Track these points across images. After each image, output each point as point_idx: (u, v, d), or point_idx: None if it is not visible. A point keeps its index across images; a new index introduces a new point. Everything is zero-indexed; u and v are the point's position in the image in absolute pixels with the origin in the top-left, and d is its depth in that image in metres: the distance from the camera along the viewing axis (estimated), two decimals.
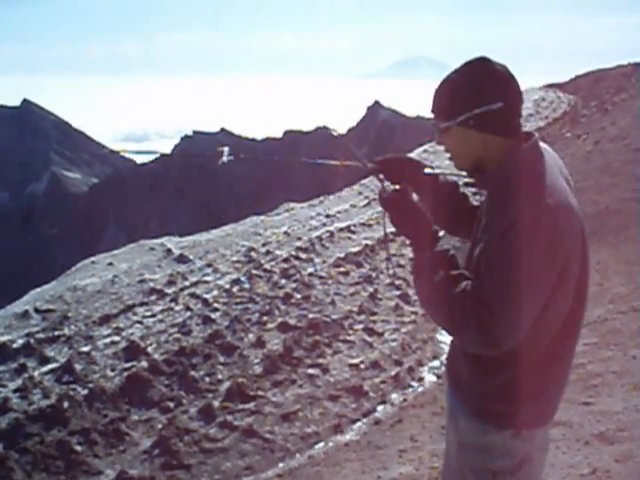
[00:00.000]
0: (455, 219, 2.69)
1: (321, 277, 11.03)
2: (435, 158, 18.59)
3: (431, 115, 2.45)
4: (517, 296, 2.12)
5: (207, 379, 8.06)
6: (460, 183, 2.76)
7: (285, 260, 11.75)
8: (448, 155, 2.48)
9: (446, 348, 8.12)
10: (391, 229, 2.52)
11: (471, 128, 2.31)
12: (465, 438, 2.49)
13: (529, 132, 2.39)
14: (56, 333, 9.42)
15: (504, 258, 2.12)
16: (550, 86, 31.89)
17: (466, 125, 2.31)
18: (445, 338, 8.48)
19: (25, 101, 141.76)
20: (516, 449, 2.39)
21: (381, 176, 2.61)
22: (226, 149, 2.84)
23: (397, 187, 2.47)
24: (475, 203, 2.69)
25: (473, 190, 2.73)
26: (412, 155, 19.71)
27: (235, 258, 12.21)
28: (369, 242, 12.40)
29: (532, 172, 2.26)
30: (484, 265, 2.17)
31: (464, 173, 2.58)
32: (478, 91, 2.29)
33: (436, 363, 8.26)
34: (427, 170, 2.72)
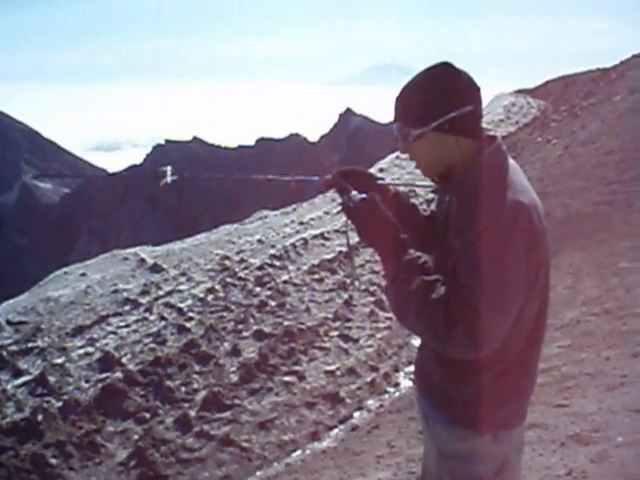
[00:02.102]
0: (407, 230, 2.57)
1: (296, 284, 11.03)
2: (408, 164, 18.67)
3: (397, 123, 2.41)
4: (501, 296, 2.12)
5: (183, 389, 8.02)
6: (409, 194, 2.75)
7: (259, 268, 11.73)
8: (415, 163, 2.46)
9: None
10: (355, 240, 2.48)
11: (446, 133, 2.29)
12: (443, 445, 2.46)
13: (492, 135, 2.39)
14: (29, 345, 9.32)
15: (485, 259, 2.11)
16: (520, 91, 32.13)
17: (441, 130, 2.28)
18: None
19: None
20: (495, 453, 2.39)
21: (348, 186, 2.51)
22: (169, 169, 2.71)
23: (364, 196, 2.39)
24: (425, 213, 2.69)
25: (426, 199, 2.73)
26: (383, 162, 19.79)
27: (209, 267, 12.16)
28: (343, 249, 12.41)
29: (502, 172, 2.27)
30: (465, 267, 2.15)
31: (423, 182, 2.59)
32: (450, 95, 2.27)
33: (412, 368, 8.25)
34: (380, 182, 2.68)
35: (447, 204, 2.45)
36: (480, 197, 2.21)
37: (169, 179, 2.71)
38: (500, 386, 2.33)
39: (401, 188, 2.75)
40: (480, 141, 2.34)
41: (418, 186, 3.01)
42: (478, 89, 2.34)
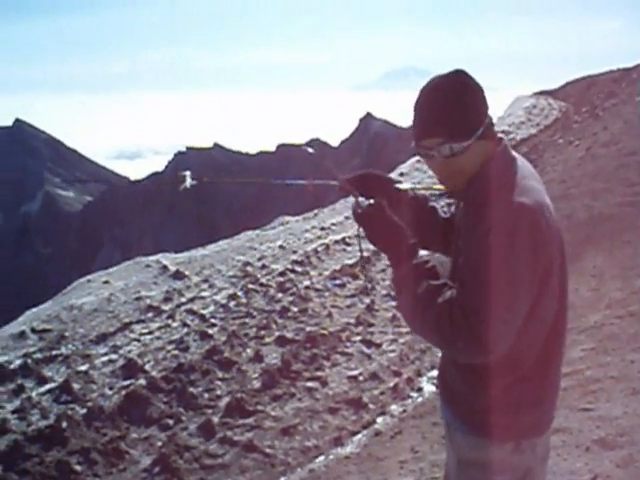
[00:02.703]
0: (426, 233, 2.61)
1: (318, 290, 11.03)
2: (428, 168, 18.62)
3: (431, 140, 2.27)
4: (503, 298, 2.09)
5: (206, 395, 8.04)
6: (429, 197, 2.73)
7: (281, 274, 11.75)
8: (454, 174, 2.33)
9: None
10: (367, 246, 2.49)
11: (484, 138, 2.26)
12: (463, 453, 2.43)
13: (499, 136, 2.36)
14: (53, 353, 9.39)
15: (486, 261, 2.08)
16: (541, 93, 32.00)
17: (480, 137, 2.25)
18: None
19: (17, 120, 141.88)
20: (517, 463, 2.34)
21: (355, 192, 2.52)
22: (188, 173, 2.69)
23: (371, 201, 2.38)
24: (445, 215, 2.66)
25: (446, 202, 2.73)
26: (404, 166, 19.76)
27: (231, 273, 12.20)
28: (365, 253, 12.39)
29: (506, 174, 2.25)
30: (467, 271, 2.15)
31: (437, 187, 2.57)
32: (479, 100, 2.26)
33: (435, 373, 8.23)
34: (397, 185, 2.67)
35: (459, 208, 2.46)
36: (484, 200, 2.19)
37: (188, 184, 2.68)
38: (519, 393, 2.30)
39: (420, 191, 2.73)
40: (495, 142, 2.32)
41: (434, 189, 2.98)
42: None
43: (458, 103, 2.23)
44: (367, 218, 2.36)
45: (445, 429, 2.62)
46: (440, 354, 2.68)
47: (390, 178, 2.70)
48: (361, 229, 2.40)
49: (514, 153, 2.36)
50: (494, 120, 2.37)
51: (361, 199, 2.46)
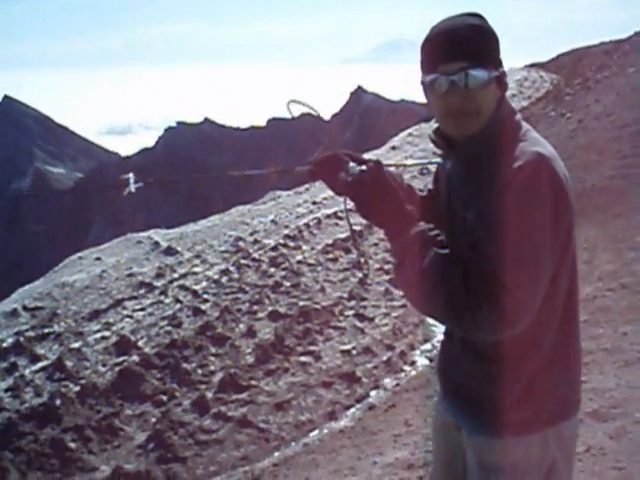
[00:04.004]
0: None
1: (310, 264, 11.02)
2: (421, 141, 18.57)
3: (457, 63, 1.98)
4: (531, 262, 1.84)
5: (199, 371, 8.05)
6: (401, 174, 2.43)
7: (273, 248, 11.73)
8: (470, 113, 2.04)
9: (437, 330, 8.14)
10: (358, 220, 2.18)
11: (497, 85, 2.03)
12: (485, 457, 2.18)
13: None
14: (46, 330, 9.38)
15: (508, 221, 1.83)
16: (532, 66, 31.84)
17: (499, 80, 2.03)
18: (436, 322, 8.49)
19: (6, 97, 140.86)
20: (541, 457, 2.12)
21: (345, 159, 2.17)
22: (131, 176, 2.46)
23: (363, 167, 2.05)
24: (421, 193, 2.42)
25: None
26: (396, 139, 19.68)
27: (223, 248, 12.18)
28: (357, 227, 12.38)
29: (516, 126, 2.06)
30: (485, 235, 1.87)
31: (416, 161, 2.38)
32: (498, 41, 2.06)
33: (428, 346, 8.26)
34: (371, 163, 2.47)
35: (448, 177, 2.21)
36: (493, 154, 1.97)
37: (132, 187, 2.46)
38: (546, 377, 2.07)
39: (392, 169, 2.41)
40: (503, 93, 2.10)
41: (411, 165, 2.78)
42: None
43: (485, 30, 2.01)
44: (361, 185, 2.02)
45: (444, 425, 2.39)
46: (441, 344, 2.41)
47: (359, 156, 2.33)
48: (349, 201, 2.08)
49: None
50: None
51: (352, 164, 2.12)
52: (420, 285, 1.92)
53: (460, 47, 1.98)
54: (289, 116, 2.41)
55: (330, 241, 11.93)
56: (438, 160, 2.37)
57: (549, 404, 2.09)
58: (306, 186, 17.04)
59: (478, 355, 2.10)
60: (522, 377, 2.04)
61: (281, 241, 12.09)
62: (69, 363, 8.31)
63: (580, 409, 2.25)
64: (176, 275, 11.12)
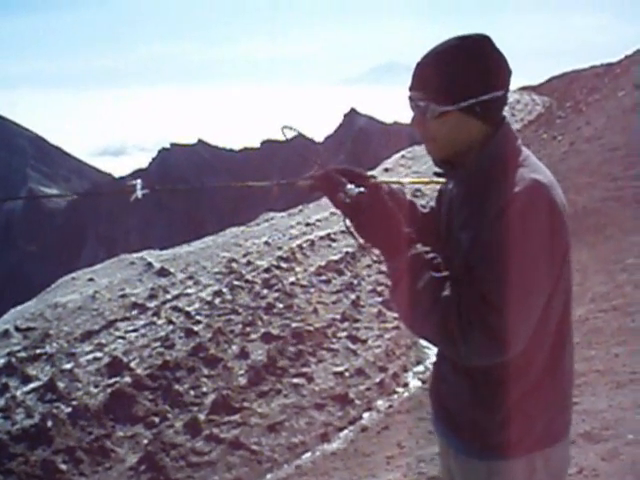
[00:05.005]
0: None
1: (303, 286, 11.02)
2: (414, 163, 18.66)
3: (415, 92, 2.07)
4: (525, 287, 1.83)
5: (192, 392, 8.02)
6: (403, 190, 2.46)
7: (266, 270, 11.73)
8: (425, 142, 2.15)
9: (430, 352, 8.15)
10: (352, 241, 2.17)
11: (473, 116, 2.01)
12: (470, 478, 2.19)
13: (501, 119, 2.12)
14: (38, 351, 9.33)
15: (502, 245, 1.83)
16: (525, 88, 32.08)
17: (469, 112, 2.00)
18: (429, 343, 8.49)
19: (0, 118, 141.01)
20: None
21: (342, 180, 2.16)
22: (139, 182, 2.44)
23: (362, 190, 2.07)
24: (424, 210, 2.44)
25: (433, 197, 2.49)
26: (389, 162, 19.75)
27: (216, 270, 12.17)
28: (349, 249, 12.39)
29: (515, 152, 2.04)
30: (478, 257, 1.88)
31: (418, 179, 2.40)
32: (486, 73, 2.00)
33: (420, 368, 8.27)
34: (373, 180, 2.36)
35: (449, 197, 2.23)
36: (491, 179, 1.98)
37: (139, 193, 2.44)
38: (534, 400, 2.05)
39: (395, 185, 2.47)
40: (500, 127, 2.08)
41: (413, 183, 2.84)
42: (510, 73, 2.05)
43: (449, 65, 2.00)
44: (359, 207, 2.03)
45: (440, 447, 2.39)
46: (433, 365, 2.42)
47: (364, 172, 2.37)
48: (347, 221, 2.08)
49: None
50: None
51: (350, 186, 2.13)
52: (414, 307, 1.94)
53: (419, 78, 2.06)
54: (283, 138, 2.43)
55: (323, 263, 11.94)
56: (440, 180, 2.37)
57: (536, 427, 2.07)
58: (300, 207, 17.07)
59: (467, 376, 2.10)
60: (509, 400, 2.03)
61: (274, 263, 12.09)
62: (61, 384, 8.27)
63: (571, 431, 2.23)
64: (169, 296, 11.10)
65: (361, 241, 2.08)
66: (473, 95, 1.97)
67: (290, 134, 2.37)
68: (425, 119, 2.06)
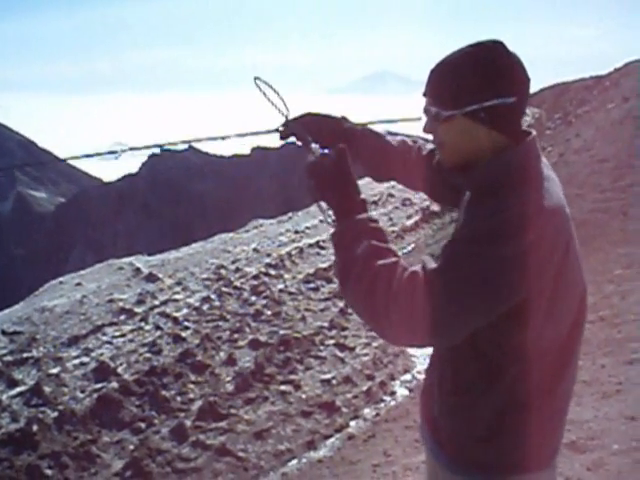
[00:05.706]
0: (384, 163, 2.53)
1: (291, 293, 11.02)
2: None
3: (427, 98, 2.09)
4: (465, 288, 1.77)
5: (179, 398, 8.00)
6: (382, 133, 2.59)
7: (255, 277, 11.72)
8: (437, 147, 2.18)
9: (417, 361, 8.16)
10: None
11: (479, 122, 1.97)
12: None
13: (527, 130, 2.06)
14: (24, 355, 9.29)
15: (463, 248, 1.82)
16: None
17: (474, 117, 1.96)
18: (416, 351, 8.51)
19: None
20: None
21: (306, 137, 2.24)
22: (121, 148, 2.57)
23: (326, 151, 2.10)
24: (414, 145, 2.55)
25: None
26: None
27: (205, 276, 12.15)
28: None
29: (529, 171, 1.97)
30: (442, 258, 1.84)
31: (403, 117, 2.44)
32: (493, 79, 1.95)
33: (408, 377, 8.27)
34: (347, 123, 2.49)
35: (463, 203, 2.17)
36: (491, 195, 1.92)
37: (119, 155, 2.56)
38: (520, 420, 1.98)
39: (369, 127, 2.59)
40: (513, 138, 2.01)
41: (402, 120, 2.80)
42: (528, 79, 2.00)
43: (456, 71, 1.99)
44: (320, 168, 2.07)
45: (427, 456, 2.36)
46: (425, 372, 2.39)
47: (336, 117, 2.50)
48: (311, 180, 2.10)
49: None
50: None
51: (315, 146, 2.17)
52: (349, 270, 1.94)
53: (429, 84, 2.07)
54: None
55: (312, 270, 11.95)
56: (413, 117, 2.45)
57: (514, 451, 2.00)
58: (289, 215, 17.07)
59: (452, 386, 2.07)
60: (486, 415, 1.99)
61: (263, 269, 12.08)
62: (47, 389, 8.23)
63: (556, 458, 2.16)
64: (157, 302, 11.07)
65: (316, 199, 2.10)
66: (477, 100, 1.95)
67: (263, 87, 2.39)
68: (433, 124, 2.07)
